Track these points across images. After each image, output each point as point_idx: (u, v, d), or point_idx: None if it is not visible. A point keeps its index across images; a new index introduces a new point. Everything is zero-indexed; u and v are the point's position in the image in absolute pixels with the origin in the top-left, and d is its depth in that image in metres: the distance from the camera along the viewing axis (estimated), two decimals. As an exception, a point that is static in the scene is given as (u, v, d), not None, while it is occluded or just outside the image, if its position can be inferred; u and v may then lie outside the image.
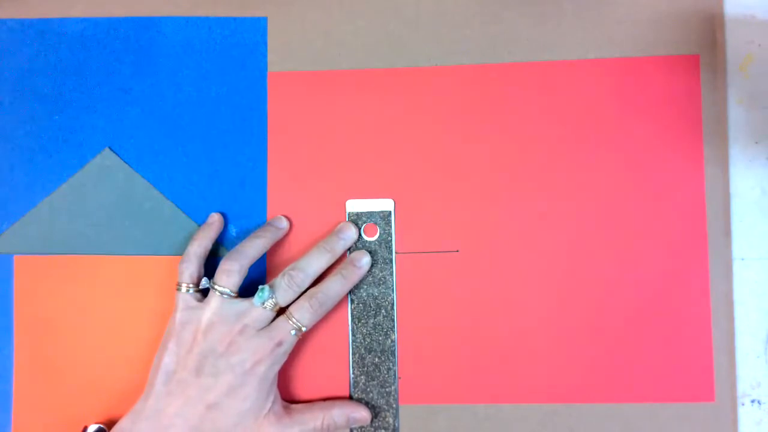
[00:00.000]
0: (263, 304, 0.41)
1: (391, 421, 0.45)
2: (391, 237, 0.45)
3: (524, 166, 0.45)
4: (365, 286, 0.45)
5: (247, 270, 0.43)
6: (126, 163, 0.46)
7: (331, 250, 0.44)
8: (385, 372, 0.45)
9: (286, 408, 0.43)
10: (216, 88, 0.46)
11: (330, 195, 0.46)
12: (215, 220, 0.45)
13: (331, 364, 0.45)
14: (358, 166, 0.46)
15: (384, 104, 0.46)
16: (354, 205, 0.46)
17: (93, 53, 0.47)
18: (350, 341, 0.45)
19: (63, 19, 0.47)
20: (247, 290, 0.43)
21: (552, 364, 0.44)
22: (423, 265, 0.45)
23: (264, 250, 0.44)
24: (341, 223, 0.45)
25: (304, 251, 0.44)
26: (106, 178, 0.46)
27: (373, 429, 0.45)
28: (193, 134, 0.46)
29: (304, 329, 0.42)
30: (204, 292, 0.43)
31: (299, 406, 0.43)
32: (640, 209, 0.45)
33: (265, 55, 0.46)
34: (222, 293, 0.41)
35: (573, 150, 0.45)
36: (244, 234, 0.45)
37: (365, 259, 0.44)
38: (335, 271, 0.44)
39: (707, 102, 0.45)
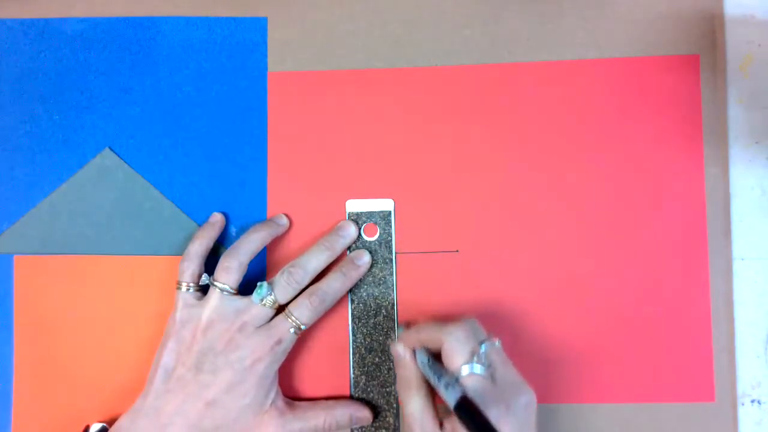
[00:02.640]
0: (262, 301, 0.41)
1: (391, 420, 0.45)
2: (391, 237, 0.45)
3: (524, 166, 0.45)
4: (365, 286, 0.45)
5: (247, 267, 0.43)
6: (126, 163, 0.46)
7: (330, 248, 0.44)
8: (386, 372, 0.45)
9: (288, 404, 0.43)
10: (216, 88, 0.46)
11: (330, 195, 0.46)
12: (217, 219, 0.45)
13: (332, 364, 0.45)
14: (358, 166, 0.46)
15: (384, 104, 0.46)
16: (354, 205, 0.46)
17: (93, 53, 0.47)
18: (351, 341, 0.45)
19: (63, 19, 0.47)
20: (248, 288, 0.43)
21: (552, 364, 0.44)
22: (423, 265, 0.45)
23: (263, 245, 0.44)
24: (341, 222, 0.45)
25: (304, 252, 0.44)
26: (106, 178, 0.46)
27: (373, 429, 0.45)
28: (193, 134, 0.46)
29: (303, 327, 0.42)
30: (204, 290, 0.43)
31: (302, 403, 0.44)
32: (640, 209, 0.45)
33: (265, 55, 0.46)
34: (222, 290, 0.42)
35: (573, 150, 0.45)
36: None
37: (365, 258, 0.44)
38: (335, 269, 0.44)
39: (707, 102, 0.45)
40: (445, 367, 0.38)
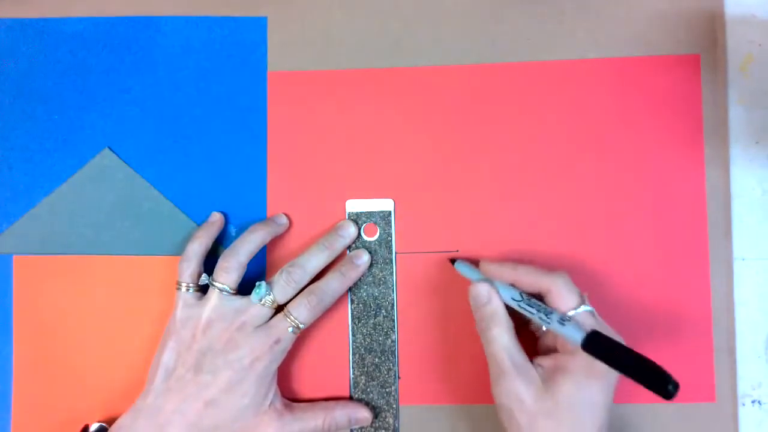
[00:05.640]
0: (261, 300, 0.41)
1: (391, 421, 0.45)
2: (391, 237, 0.45)
3: (524, 166, 0.45)
4: (365, 287, 0.45)
5: (246, 266, 0.43)
6: (125, 163, 0.46)
7: (330, 247, 0.44)
8: (386, 372, 0.45)
9: (287, 405, 0.43)
10: (216, 87, 0.46)
11: (330, 195, 0.46)
12: (217, 219, 0.45)
13: (332, 365, 0.45)
14: (358, 166, 0.46)
15: (384, 104, 0.46)
16: (354, 205, 0.45)
17: (92, 53, 0.46)
18: (350, 341, 0.45)
19: (62, 18, 0.47)
20: (248, 287, 0.42)
21: (552, 365, 0.44)
22: (423, 265, 0.45)
23: (262, 244, 0.44)
24: (341, 221, 0.45)
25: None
26: (105, 178, 0.46)
27: (373, 429, 0.45)
28: (193, 134, 0.46)
29: (302, 327, 0.42)
30: (204, 290, 0.43)
31: (301, 404, 0.43)
32: (641, 209, 0.45)
33: (264, 55, 0.46)
34: (221, 290, 0.42)
35: (573, 150, 0.45)
36: (244, 234, 0.44)
37: (365, 258, 0.44)
38: (334, 268, 0.44)
39: (708, 102, 0.45)
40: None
